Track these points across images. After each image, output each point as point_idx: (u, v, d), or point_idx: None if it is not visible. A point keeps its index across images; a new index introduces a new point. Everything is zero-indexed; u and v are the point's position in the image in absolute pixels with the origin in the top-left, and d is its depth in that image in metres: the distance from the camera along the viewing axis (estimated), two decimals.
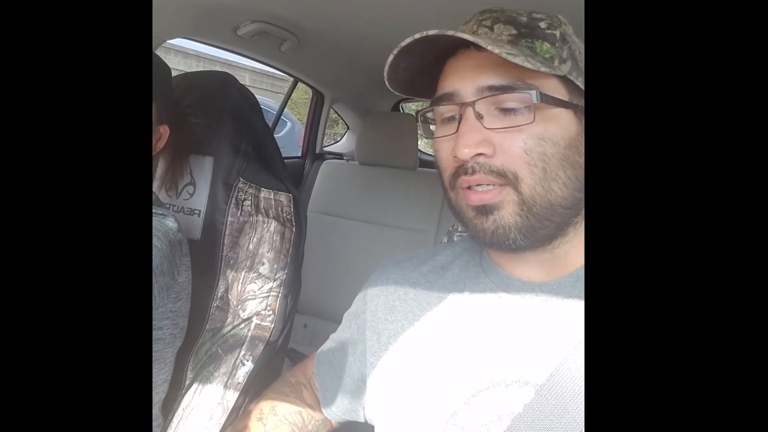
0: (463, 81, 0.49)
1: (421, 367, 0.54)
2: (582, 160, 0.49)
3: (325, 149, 2.22)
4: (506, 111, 0.47)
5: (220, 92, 0.91)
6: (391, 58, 0.48)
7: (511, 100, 0.47)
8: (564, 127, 0.48)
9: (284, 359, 0.91)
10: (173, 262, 0.70)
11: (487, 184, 0.48)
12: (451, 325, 0.55)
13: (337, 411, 0.65)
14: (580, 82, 0.49)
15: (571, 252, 0.52)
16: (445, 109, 0.51)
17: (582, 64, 0.50)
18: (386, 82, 0.52)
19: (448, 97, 0.50)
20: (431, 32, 0.45)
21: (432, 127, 0.55)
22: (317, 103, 1.92)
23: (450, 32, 0.44)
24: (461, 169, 0.48)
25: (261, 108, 0.97)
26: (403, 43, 0.47)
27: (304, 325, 1.80)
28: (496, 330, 0.52)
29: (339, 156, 2.12)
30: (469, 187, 0.49)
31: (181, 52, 6.24)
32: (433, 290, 0.59)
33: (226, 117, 0.90)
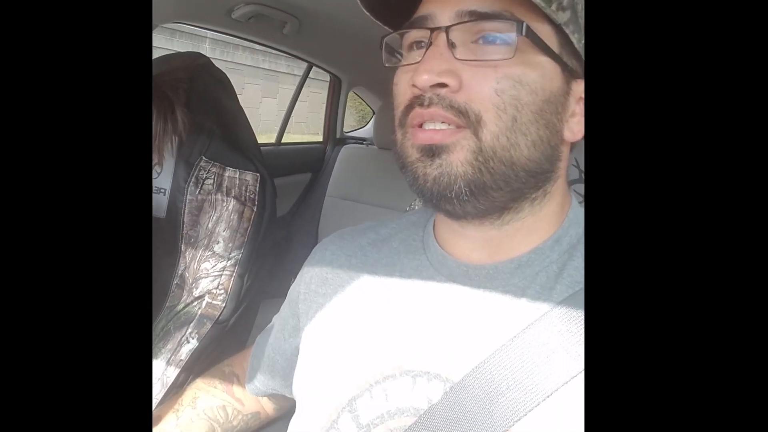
0: (442, 4, 0.43)
1: (337, 345, 0.51)
2: (560, 124, 0.43)
3: (352, 133, 2.21)
4: (485, 44, 0.41)
5: (188, 73, 0.91)
6: None
7: (492, 29, 0.41)
8: (546, 77, 0.42)
9: (245, 341, 0.91)
10: None
11: (442, 122, 0.41)
12: (375, 302, 0.50)
13: (260, 386, 0.63)
14: (576, 40, 0.43)
15: (520, 233, 0.45)
16: (415, 35, 0.45)
17: (582, 21, 0.44)
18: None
19: (421, 21, 0.43)
20: None
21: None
22: (335, 87, 1.90)
23: None
24: (416, 100, 0.42)
25: (233, 88, 0.97)
26: None
27: None
28: (417, 313, 0.47)
29: (361, 141, 2.10)
30: (420, 125, 0.42)
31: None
32: (367, 264, 0.54)
33: (192, 97, 0.90)
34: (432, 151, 0.41)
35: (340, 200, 1.87)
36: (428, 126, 0.42)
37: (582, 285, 0.43)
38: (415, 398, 0.43)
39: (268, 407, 0.68)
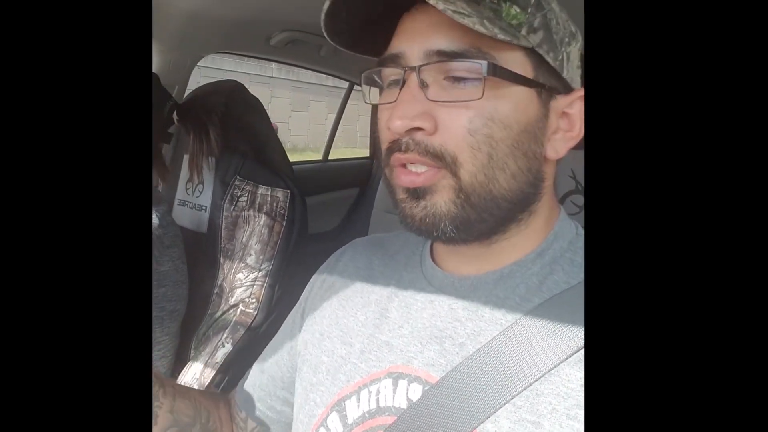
0: (411, 42, 0.42)
1: (334, 348, 0.54)
2: (540, 149, 0.44)
3: None
4: (456, 82, 0.41)
5: (223, 99, 0.99)
6: (327, 5, 0.43)
7: (460, 69, 0.41)
8: (520, 109, 0.42)
9: None
10: (153, 253, 0.79)
11: (421, 164, 0.42)
12: (372, 310, 0.54)
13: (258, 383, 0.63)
14: (552, 58, 0.43)
15: (507, 249, 0.47)
16: (391, 72, 0.45)
17: (557, 37, 0.45)
18: (323, 32, 0.46)
19: (393, 59, 0.43)
20: None
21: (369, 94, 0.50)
22: None
23: None
24: (395, 144, 0.43)
25: (266, 112, 1.05)
26: None
27: None
28: (406, 321, 0.50)
29: None
30: (403, 165, 0.43)
31: None
32: (372, 276, 0.57)
33: (228, 121, 0.98)
34: (417, 194, 0.43)
35: (387, 214, 1.91)
36: (410, 167, 0.43)
37: (551, 295, 0.45)
38: (397, 399, 0.46)
39: None
